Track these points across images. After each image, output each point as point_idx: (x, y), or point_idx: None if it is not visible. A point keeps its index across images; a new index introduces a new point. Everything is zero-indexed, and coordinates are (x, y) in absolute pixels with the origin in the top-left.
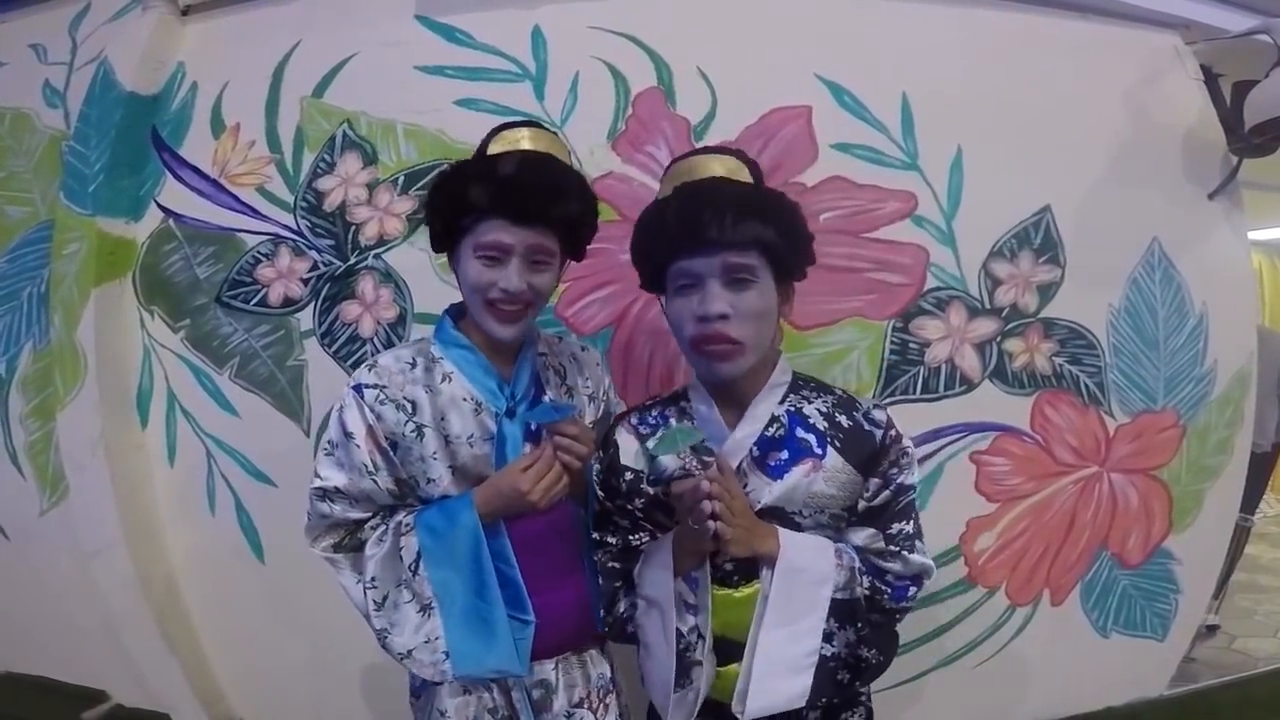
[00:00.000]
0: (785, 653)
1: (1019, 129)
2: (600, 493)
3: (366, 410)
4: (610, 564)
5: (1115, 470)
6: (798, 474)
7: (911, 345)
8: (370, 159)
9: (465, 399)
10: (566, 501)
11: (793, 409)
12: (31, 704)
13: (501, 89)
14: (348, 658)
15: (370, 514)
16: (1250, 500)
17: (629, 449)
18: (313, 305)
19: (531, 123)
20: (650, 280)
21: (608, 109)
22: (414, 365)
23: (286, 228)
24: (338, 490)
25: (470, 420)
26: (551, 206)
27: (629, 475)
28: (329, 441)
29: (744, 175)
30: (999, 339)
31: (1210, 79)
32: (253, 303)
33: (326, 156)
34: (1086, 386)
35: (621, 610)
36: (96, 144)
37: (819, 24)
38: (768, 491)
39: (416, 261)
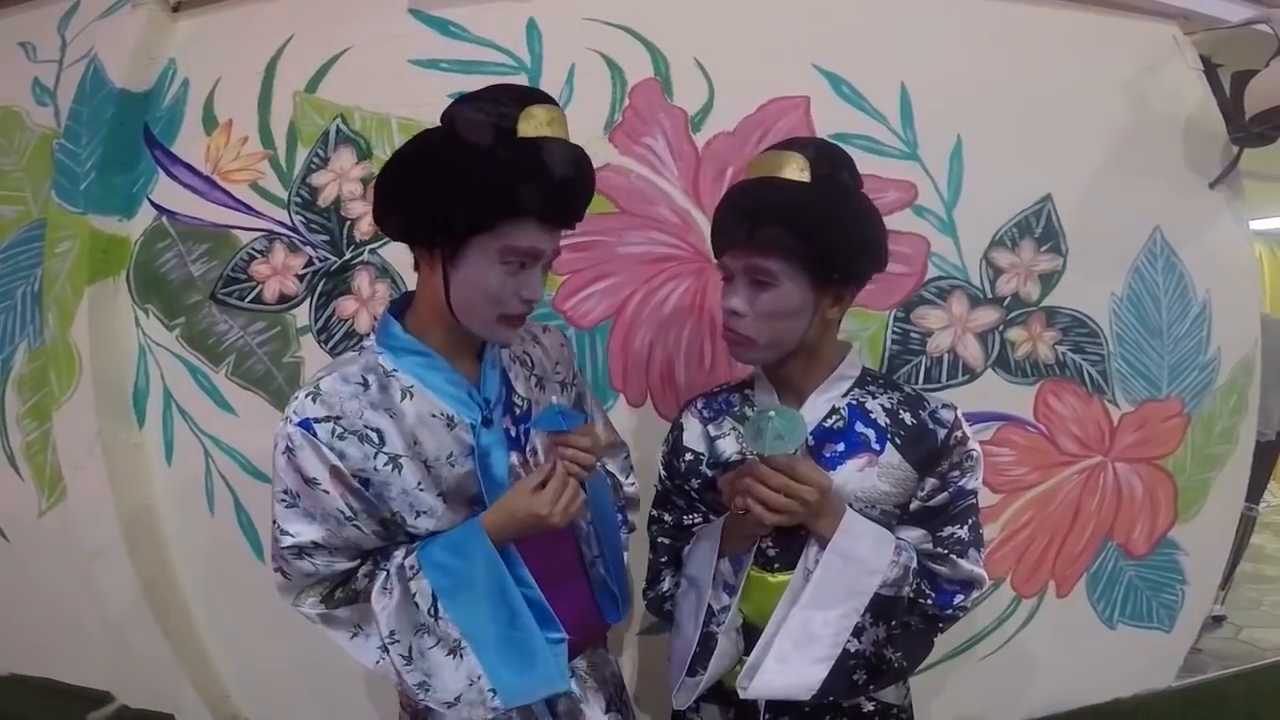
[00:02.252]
0: (811, 637)
1: (1019, 118)
2: (663, 472)
3: (324, 449)
4: (661, 539)
5: (1120, 460)
6: (852, 467)
7: (913, 335)
8: (364, 154)
9: (435, 415)
10: None
11: (854, 403)
12: (37, 706)
13: (496, 82)
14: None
15: (358, 560)
16: (1255, 490)
17: (693, 431)
18: (308, 301)
19: (547, 98)
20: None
21: (604, 101)
22: (366, 386)
23: (281, 224)
24: (315, 545)
25: (445, 438)
26: (584, 211)
27: (689, 456)
28: (286, 492)
29: (801, 174)
30: (1001, 328)
31: (1210, 69)
32: (248, 299)
33: (320, 152)
34: (1090, 375)
35: (665, 588)
36: (88, 142)
37: (816, 14)
38: None
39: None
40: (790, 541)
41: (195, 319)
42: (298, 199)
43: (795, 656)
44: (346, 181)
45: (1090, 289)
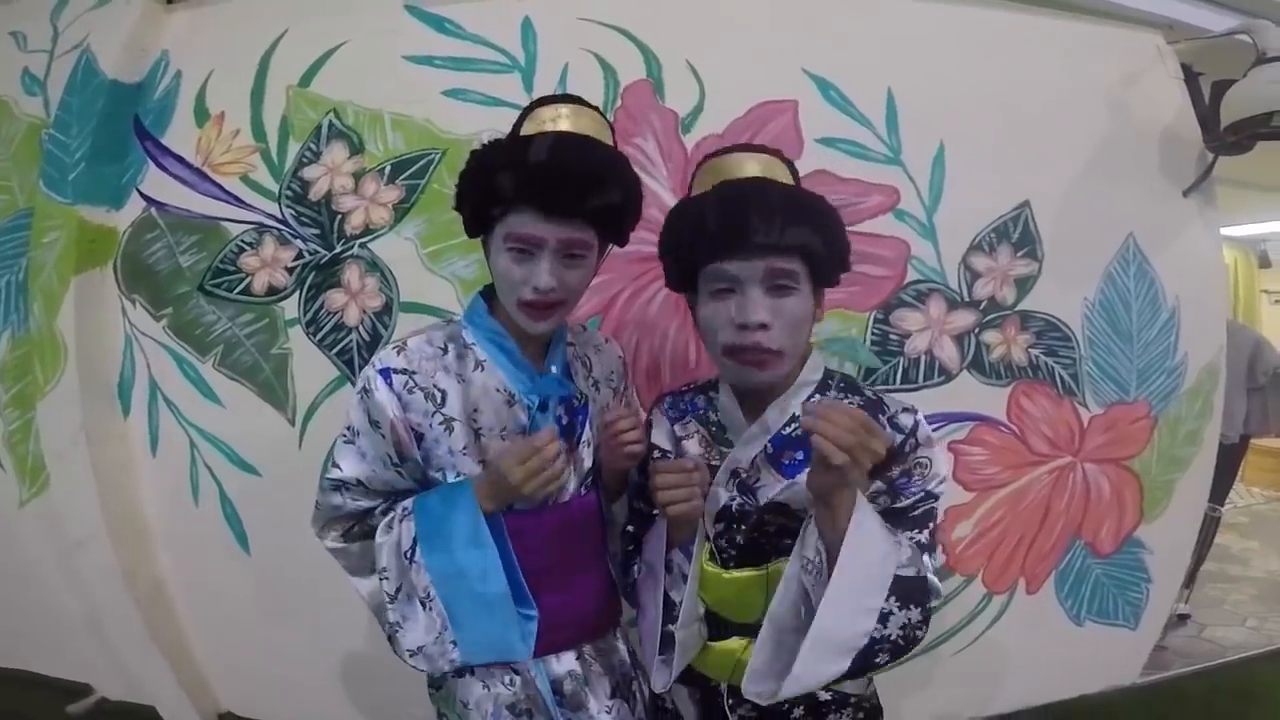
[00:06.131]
0: (842, 632)
1: (1000, 125)
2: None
3: (394, 397)
4: (628, 528)
5: (1088, 460)
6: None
7: (892, 337)
8: (357, 148)
9: (498, 390)
10: (590, 492)
11: None
12: (16, 698)
13: (490, 79)
14: (334, 649)
15: (379, 501)
16: (1219, 491)
17: (662, 430)
18: (298, 294)
19: (573, 98)
20: (680, 279)
21: (596, 100)
22: (445, 351)
23: (271, 216)
24: (358, 482)
25: (503, 413)
26: (588, 197)
27: (656, 454)
28: (350, 429)
29: (784, 175)
30: (977, 331)
31: (1190, 78)
32: (236, 291)
33: (312, 146)
34: (1061, 378)
35: (633, 577)
36: (77, 132)
37: (806, 19)
38: (777, 488)
39: (403, 250)
40: (756, 540)
41: (183, 309)
42: (289, 192)
43: (825, 655)
44: (338, 176)
45: (1064, 294)
